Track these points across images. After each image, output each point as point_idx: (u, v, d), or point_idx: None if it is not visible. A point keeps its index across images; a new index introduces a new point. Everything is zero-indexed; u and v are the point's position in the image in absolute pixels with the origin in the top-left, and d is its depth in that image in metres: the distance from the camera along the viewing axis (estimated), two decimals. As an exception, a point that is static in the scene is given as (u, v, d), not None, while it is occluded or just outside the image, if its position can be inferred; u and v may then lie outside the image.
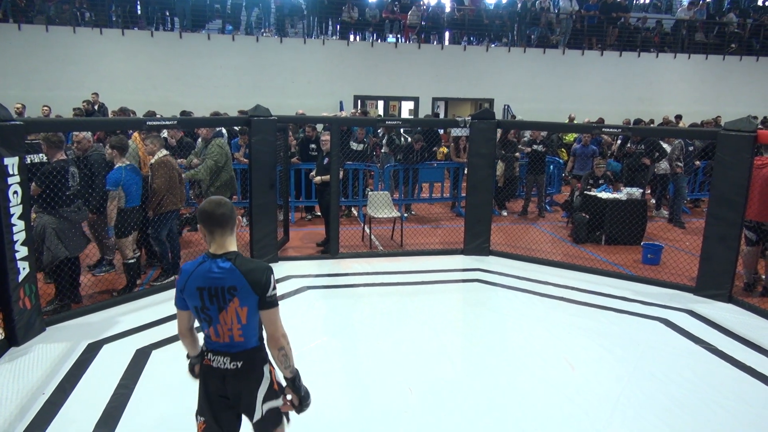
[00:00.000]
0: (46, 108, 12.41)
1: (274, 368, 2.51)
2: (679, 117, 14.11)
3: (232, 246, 2.41)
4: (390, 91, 17.07)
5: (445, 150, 10.68)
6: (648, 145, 9.20)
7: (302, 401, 2.51)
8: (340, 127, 7.04)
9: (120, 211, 5.52)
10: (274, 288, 2.39)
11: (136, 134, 6.87)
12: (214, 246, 2.38)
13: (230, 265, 2.34)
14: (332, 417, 3.68)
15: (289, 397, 2.51)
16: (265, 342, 2.46)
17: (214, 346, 2.43)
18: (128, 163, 5.68)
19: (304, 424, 3.57)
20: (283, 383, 2.52)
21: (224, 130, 9.76)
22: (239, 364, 2.40)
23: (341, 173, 7.01)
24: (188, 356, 2.60)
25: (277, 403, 2.49)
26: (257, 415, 2.44)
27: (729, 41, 18.50)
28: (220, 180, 6.75)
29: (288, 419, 2.58)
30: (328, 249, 7.21)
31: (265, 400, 2.44)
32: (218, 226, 2.36)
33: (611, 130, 7.32)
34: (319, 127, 9.72)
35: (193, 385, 3.40)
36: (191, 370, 2.61)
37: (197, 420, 2.51)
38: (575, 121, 13.38)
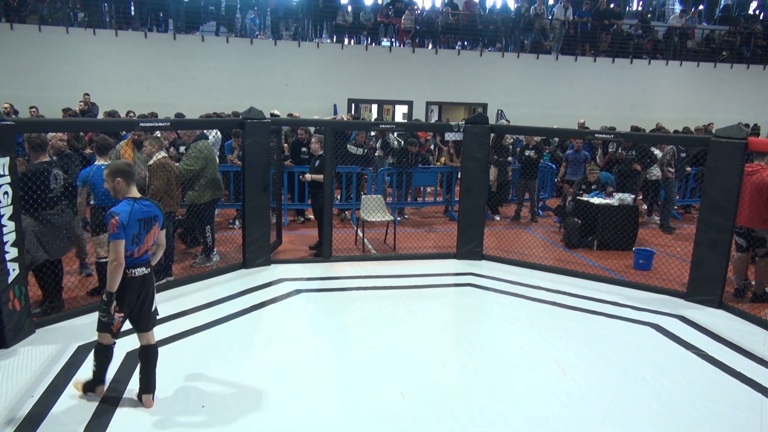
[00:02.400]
0: (33, 109, 12.31)
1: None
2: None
3: (138, 192, 3.66)
4: (384, 94, 17.09)
5: (444, 161, 10.75)
6: (639, 151, 9.26)
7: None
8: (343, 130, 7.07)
9: (94, 209, 5.46)
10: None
11: (128, 140, 6.84)
12: (131, 192, 3.60)
13: (149, 203, 3.65)
14: (324, 420, 3.67)
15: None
16: None
17: (135, 262, 3.57)
18: (107, 162, 5.61)
19: (296, 427, 3.57)
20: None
21: (217, 133, 9.72)
22: (149, 269, 3.67)
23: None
24: (112, 294, 3.46)
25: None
26: (155, 305, 3.78)
27: (720, 49, 18.69)
28: (199, 183, 6.62)
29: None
30: (321, 252, 7.20)
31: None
32: (132, 180, 3.63)
33: (603, 135, 7.35)
34: (313, 129, 9.71)
35: (184, 388, 3.43)
36: (111, 304, 3.48)
37: (117, 320, 3.56)
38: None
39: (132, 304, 3.60)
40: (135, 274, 3.55)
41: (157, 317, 3.86)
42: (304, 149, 9.08)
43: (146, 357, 3.77)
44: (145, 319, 3.71)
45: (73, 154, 6.67)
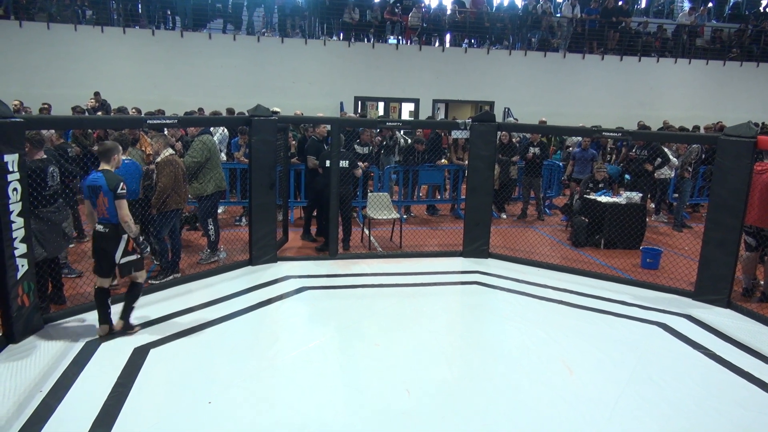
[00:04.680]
0: (45, 106, 12.38)
1: (132, 239, 4.61)
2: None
3: (106, 167, 4.56)
4: (391, 92, 17.08)
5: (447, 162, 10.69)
6: (650, 150, 9.21)
7: (139, 245, 4.66)
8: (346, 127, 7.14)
9: None
10: (123, 189, 4.46)
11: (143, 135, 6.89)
12: (101, 166, 4.58)
13: (100, 175, 4.49)
14: (329, 417, 3.68)
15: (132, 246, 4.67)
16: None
17: (99, 220, 4.56)
18: (126, 157, 5.64)
19: (301, 424, 3.58)
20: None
21: (224, 130, 9.76)
22: (108, 230, 4.52)
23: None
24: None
25: (131, 257, 4.61)
26: (116, 261, 4.56)
27: (729, 47, 18.54)
28: (202, 174, 6.65)
29: (141, 267, 4.76)
30: (325, 248, 7.20)
31: (123, 255, 4.57)
32: (103, 159, 4.61)
33: (611, 134, 7.31)
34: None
35: (190, 385, 3.42)
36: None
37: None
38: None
39: (96, 252, 4.63)
40: (97, 228, 4.58)
41: (131, 271, 4.68)
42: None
43: (97, 296, 4.69)
44: (98, 265, 4.63)
45: (56, 150, 6.56)
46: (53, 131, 6.59)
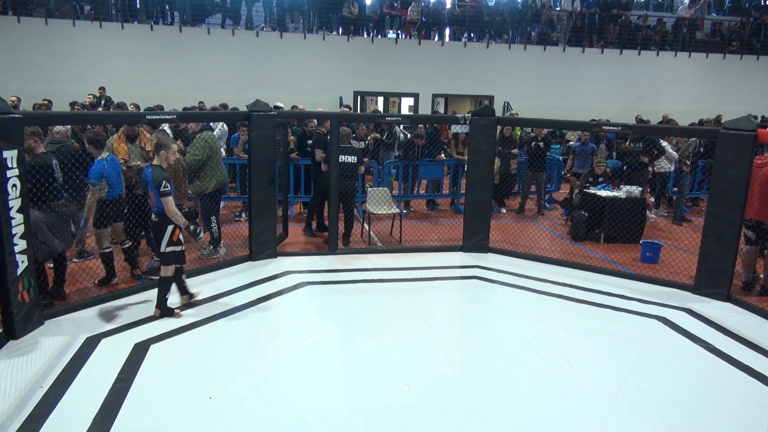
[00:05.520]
0: (45, 101, 12.36)
1: (180, 229, 4.93)
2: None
3: (157, 162, 4.88)
4: (390, 87, 17.06)
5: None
6: (646, 143, 9.20)
7: (192, 233, 5.02)
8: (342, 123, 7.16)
9: (101, 202, 5.51)
10: (165, 187, 4.74)
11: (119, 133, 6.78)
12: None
13: (150, 170, 4.83)
14: (330, 412, 3.68)
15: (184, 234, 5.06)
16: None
17: (153, 210, 4.94)
18: (108, 154, 5.64)
19: (302, 419, 3.59)
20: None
21: (223, 125, 9.75)
22: (158, 219, 4.89)
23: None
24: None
25: (176, 248, 4.94)
26: (161, 249, 4.93)
27: (730, 40, 18.50)
28: (204, 172, 6.63)
29: (182, 263, 5.16)
30: (328, 239, 7.21)
31: (168, 244, 4.90)
32: (155, 153, 4.96)
33: (610, 128, 7.30)
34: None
35: (190, 380, 3.41)
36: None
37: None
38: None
39: (154, 238, 5.08)
40: (151, 217, 5.00)
41: (170, 262, 4.97)
42: (310, 141, 9.06)
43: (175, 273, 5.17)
44: (155, 250, 5.32)
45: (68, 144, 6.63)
46: (69, 126, 6.63)
